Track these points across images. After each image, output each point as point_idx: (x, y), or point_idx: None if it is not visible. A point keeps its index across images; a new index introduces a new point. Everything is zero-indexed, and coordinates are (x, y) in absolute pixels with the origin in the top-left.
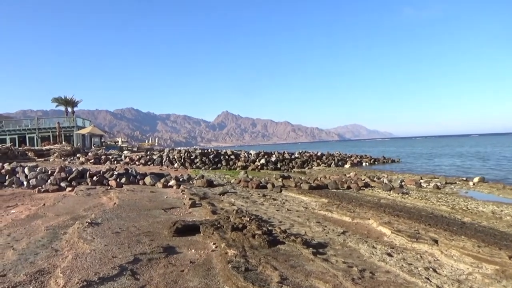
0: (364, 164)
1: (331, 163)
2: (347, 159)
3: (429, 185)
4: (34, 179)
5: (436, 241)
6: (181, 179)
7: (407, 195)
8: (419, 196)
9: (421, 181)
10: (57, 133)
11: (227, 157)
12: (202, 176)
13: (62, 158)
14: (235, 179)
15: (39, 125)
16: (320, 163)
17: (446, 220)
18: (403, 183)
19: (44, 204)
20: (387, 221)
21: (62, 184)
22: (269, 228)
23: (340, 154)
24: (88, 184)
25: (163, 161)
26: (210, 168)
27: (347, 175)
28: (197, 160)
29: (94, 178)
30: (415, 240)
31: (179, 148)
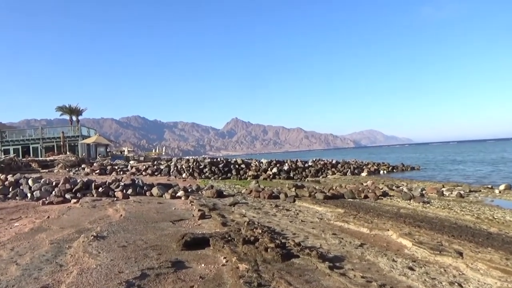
0: (381, 172)
1: (347, 171)
2: (364, 167)
3: (451, 193)
4: (38, 191)
5: (460, 254)
6: (189, 190)
7: (428, 205)
8: (441, 205)
9: (443, 189)
10: (61, 143)
11: (237, 166)
12: (212, 186)
13: (67, 169)
14: (246, 189)
15: (43, 135)
16: (335, 171)
17: (471, 230)
18: (423, 192)
19: (48, 217)
20: (407, 233)
21: (67, 196)
22: (283, 240)
23: (356, 161)
24: (93, 195)
25: (171, 171)
26: (220, 178)
27: (364, 184)
28: (206, 169)
29: (100, 189)
30: (438, 252)
31: (187, 157)
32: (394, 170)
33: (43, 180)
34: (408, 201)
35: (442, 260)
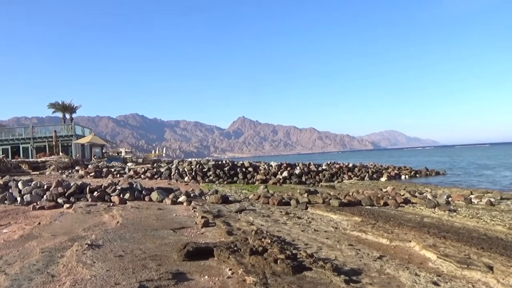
0: (403, 177)
1: (365, 175)
2: (383, 171)
3: (481, 201)
4: (29, 195)
5: (491, 268)
6: (192, 195)
7: (455, 213)
8: (469, 214)
9: (472, 196)
10: (53, 143)
11: (244, 169)
12: (216, 191)
13: (59, 171)
14: (254, 195)
15: (34, 134)
16: (352, 175)
17: (503, 242)
18: (450, 199)
19: (39, 223)
20: (431, 244)
21: (59, 200)
22: (294, 251)
23: (375, 165)
24: (88, 200)
25: (172, 174)
26: (225, 182)
27: (384, 190)
28: (210, 173)
29: (95, 193)
30: (466, 266)
31: (189, 159)
32: (417, 175)
33: (33, 183)
34: (433, 209)
35: (470, 274)
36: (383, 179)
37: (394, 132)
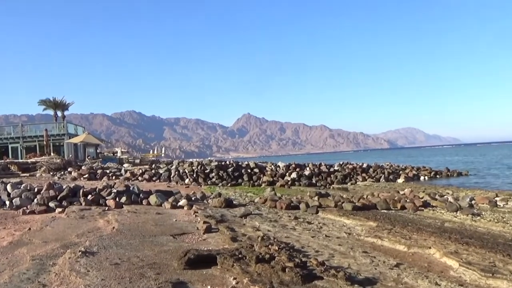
0: (422, 178)
1: (380, 177)
2: (401, 171)
3: (507, 203)
4: (18, 198)
5: None
6: (193, 198)
7: (478, 217)
8: (494, 218)
9: (497, 198)
10: (44, 143)
11: (249, 170)
12: (219, 194)
13: (51, 173)
14: (260, 198)
15: (23, 133)
16: (366, 177)
17: None
18: (473, 202)
19: (29, 229)
20: (453, 251)
21: (51, 204)
22: (303, 259)
23: (392, 165)
24: (81, 204)
25: (172, 176)
26: (229, 185)
27: (401, 192)
28: (213, 174)
29: (89, 197)
30: (491, 275)
31: (190, 160)
32: (437, 176)
33: (23, 185)
34: (454, 213)
35: (495, 284)
36: (400, 180)
37: (412, 130)
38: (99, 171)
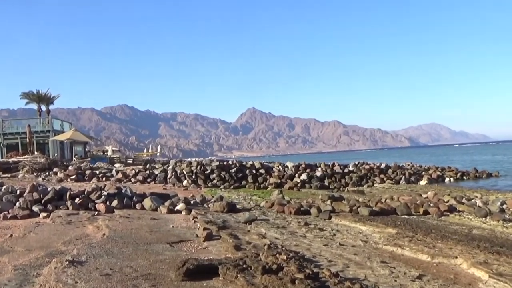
0: (447, 179)
1: (400, 178)
2: (423, 172)
3: None
4: None
5: None
6: (192, 202)
7: (511, 223)
8: None
9: None
10: (27, 140)
11: (254, 171)
12: (221, 198)
13: (34, 174)
14: (266, 202)
15: (3, 130)
16: (385, 178)
17: None
18: (504, 206)
19: (11, 235)
20: (482, 261)
21: (35, 209)
22: (315, 269)
23: (413, 165)
24: (68, 208)
25: (168, 177)
26: (232, 187)
27: (424, 196)
28: (214, 175)
29: (77, 200)
30: None
31: (189, 159)
32: (464, 177)
33: (4, 187)
34: (483, 218)
35: None
36: (422, 182)
37: (436, 126)
38: (87, 172)
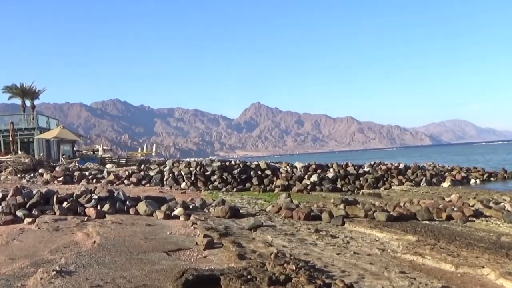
0: (473, 181)
1: (421, 180)
2: (446, 173)
3: None
4: None
5: None
6: (191, 206)
7: None
8: None
9: None
10: (10, 139)
11: (259, 172)
12: (223, 202)
13: (18, 175)
14: (273, 206)
15: None
16: (404, 180)
17: None
18: None
19: None
20: None
21: (19, 213)
22: (327, 281)
23: (435, 166)
24: (55, 213)
25: (165, 179)
26: (235, 190)
27: (447, 199)
28: (215, 177)
29: (64, 204)
30: None
31: (187, 159)
32: (492, 179)
33: None
34: None
35: None
36: (445, 184)
37: (460, 122)
38: (76, 173)
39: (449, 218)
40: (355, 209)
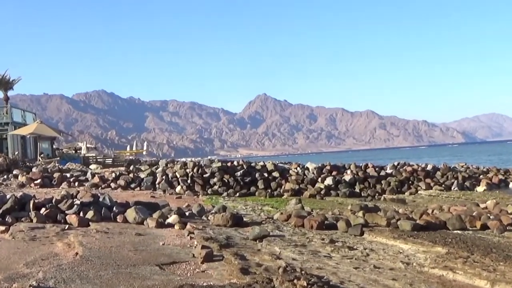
0: (511, 185)
1: (452, 183)
2: (481, 176)
3: None
4: None
5: None
6: (187, 213)
7: None
8: None
9: None
10: None
11: (266, 174)
12: (224, 208)
13: None
14: (281, 213)
15: None
16: (432, 183)
17: None
18: None
19: None
20: None
21: None
22: None
23: (468, 167)
24: (32, 220)
25: (157, 182)
26: (238, 194)
27: (482, 206)
28: (215, 180)
29: (42, 210)
30: None
31: (183, 159)
32: None
33: None
34: None
35: None
36: (480, 188)
37: (497, 117)
38: (56, 175)
39: (485, 227)
40: (376, 217)
